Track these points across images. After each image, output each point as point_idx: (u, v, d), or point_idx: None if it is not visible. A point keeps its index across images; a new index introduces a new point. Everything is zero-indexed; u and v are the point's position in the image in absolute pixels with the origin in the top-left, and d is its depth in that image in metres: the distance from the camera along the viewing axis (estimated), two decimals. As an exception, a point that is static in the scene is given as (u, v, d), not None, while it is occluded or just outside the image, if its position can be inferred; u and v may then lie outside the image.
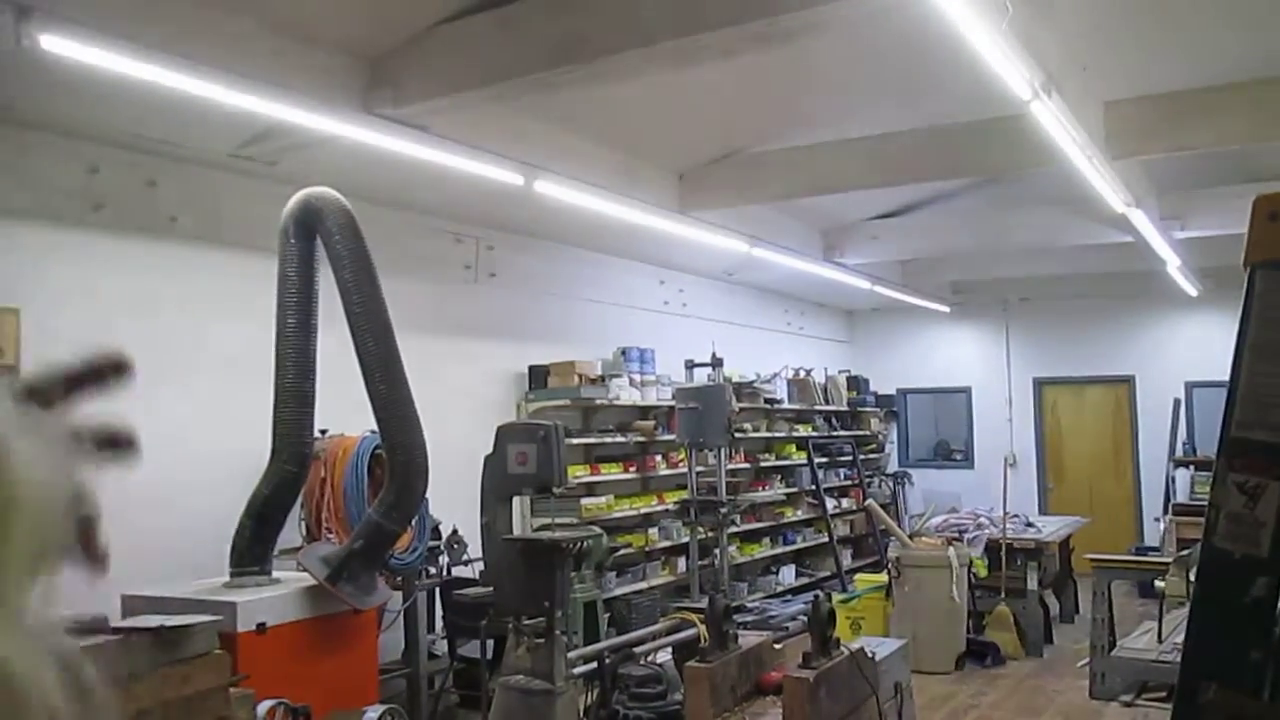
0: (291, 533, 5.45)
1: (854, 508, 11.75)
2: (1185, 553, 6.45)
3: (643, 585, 8.30)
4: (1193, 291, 10.61)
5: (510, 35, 4.56)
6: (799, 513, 10.81)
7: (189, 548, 5.31)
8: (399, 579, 5.83)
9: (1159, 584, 6.43)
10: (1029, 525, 8.91)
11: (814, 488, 10.89)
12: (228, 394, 5.78)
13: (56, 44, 3.68)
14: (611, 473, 8.35)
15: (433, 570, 6.15)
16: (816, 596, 4.57)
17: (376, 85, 4.83)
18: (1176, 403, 11.15)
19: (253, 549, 4.82)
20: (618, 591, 7.95)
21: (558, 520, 6.08)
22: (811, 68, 5.85)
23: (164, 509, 5.45)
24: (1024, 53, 4.24)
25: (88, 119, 5.05)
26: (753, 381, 10.30)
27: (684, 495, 8.24)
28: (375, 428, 4.97)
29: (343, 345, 4.84)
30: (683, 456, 8.46)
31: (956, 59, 4.31)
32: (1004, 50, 4.13)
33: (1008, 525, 8.49)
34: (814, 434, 11.33)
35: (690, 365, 8.67)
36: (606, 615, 7.37)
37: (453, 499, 5.87)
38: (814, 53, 5.47)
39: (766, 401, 10.49)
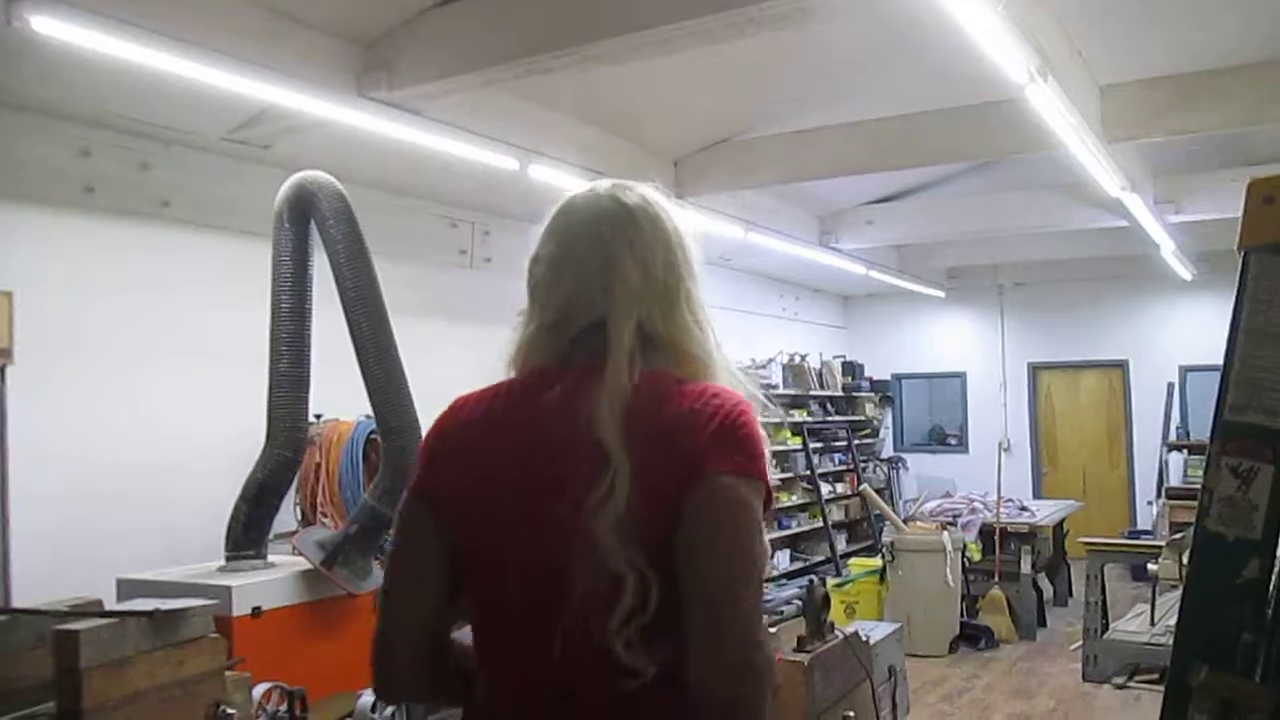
0: (287, 517, 5.46)
1: (849, 493, 11.77)
2: (1178, 536, 6.47)
3: (638, 570, 8.30)
4: (1187, 276, 10.62)
5: (505, 19, 4.54)
6: (794, 498, 10.84)
7: (183, 532, 5.31)
8: (394, 563, 5.83)
9: (1152, 567, 6.46)
10: (1023, 509, 8.94)
11: (809, 473, 10.91)
12: (222, 378, 5.77)
13: (48, 25, 3.66)
14: (607, 457, 8.33)
15: (428, 555, 6.15)
16: (811, 581, 4.58)
17: (371, 69, 4.81)
18: (1170, 387, 11.18)
19: (248, 533, 4.82)
20: (613, 576, 7.96)
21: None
22: (806, 53, 5.83)
23: (158, 493, 5.46)
24: (1020, 36, 4.24)
25: (80, 101, 5.02)
26: (748, 367, 10.30)
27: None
28: (370, 413, 4.97)
29: (337, 330, 4.83)
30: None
31: (952, 43, 4.30)
32: (1000, 34, 4.12)
33: (1001, 509, 8.51)
34: (809, 419, 11.34)
35: (685, 350, 8.65)
36: (602, 599, 7.38)
37: (448, 484, 5.87)
38: (809, 38, 5.46)
39: (762, 387, 10.49)
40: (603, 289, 1.42)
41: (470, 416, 1.49)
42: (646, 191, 1.52)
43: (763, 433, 1.37)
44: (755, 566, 1.29)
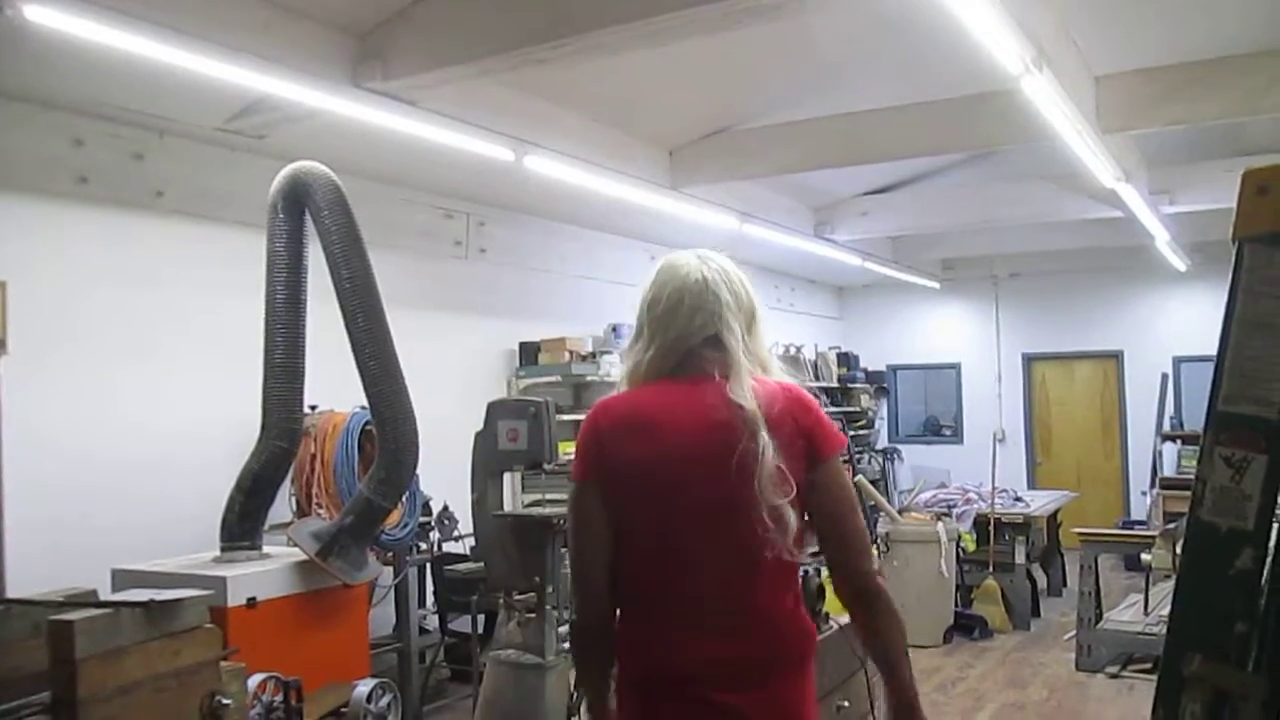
0: (282, 508, 5.46)
1: (844, 483, 11.77)
2: (1172, 526, 6.49)
3: (633, 560, 8.31)
4: (1181, 266, 10.64)
5: (500, 9, 4.52)
6: (789, 488, 10.82)
7: (178, 523, 5.31)
8: (390, 554, 5.84)
9: (1145, 557, 6.47)
10: (1017, 500, 8.95)
11: (804, 463, 10.91)
12: (216, 369, 5.76)
13: (41, 14, 3.64)
14: (602, 448, 8.32)
15: (423, 546, 6.16)
16: (806, 572, 4.58)
17: (365, 59, 4.79)
18: (1164, 377, 11.20)
19: (242, 524, 4.82)
20: (608, 566, 7.97)
21: (548, 496, 6.08)
22: (803, 43, 5.82)
23: (153, 484, 5.45)
24: (1015, 27, 4.23)
25: (73, 91, 5.01)
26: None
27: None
28: (365, 403, 4.97)
29: (332, 321, 4.83)
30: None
31: (948, 33, 4.29)
32: (995, 24, 4.11)
33: (996, 500, 8.53)
34: (804, 410, 11.33)
35: (681, 341, 8.65)
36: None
37: (443, 475, 5.87)
38: (805, 28, 5.45)
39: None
40: (715, 313, 2.05)
41: (629, 414, 2.08)
42: (722, 258, 2.16)
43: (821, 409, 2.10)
44: (859, 511, 2.08)
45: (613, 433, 2.06)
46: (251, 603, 4.41)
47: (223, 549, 4.79)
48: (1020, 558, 8.21)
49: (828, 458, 2.01)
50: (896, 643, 2.05)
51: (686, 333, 2.04)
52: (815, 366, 11.94)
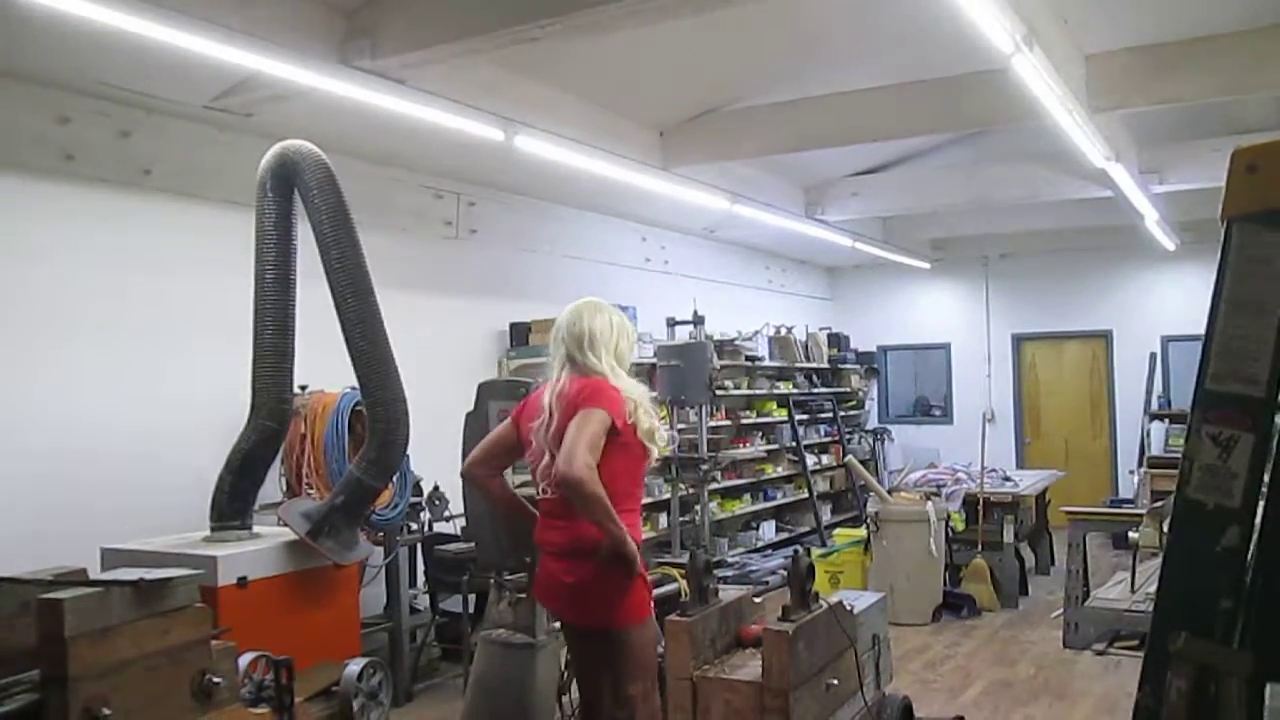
0: (272, 488, 5.45)
1: (834, 464, 11.82)
2: (1159, 504, 6.53)
3: (624, 540, 8.33)
4: (1170, 246, 10.66)
5: (489, -14, 4.49)
6: (779, 469, 10.87)
7: (168, 502, 5.30)
8: (381, 534, 5.85)
9: (1133, 535, 6.52)
10: (1006, 479, 8.99)
11: (794, 444, 10.95)
12: (206, 349, 5.74)
13: (24, -8, 3.61)
14: (592, 429, 8.31)
15: (414, 526, 6.17)
16: (796, 551, 4.60)
17: (353, 37, 4.76)
18: (1153, 357, 11.24)
19: (233, 504, 4.81)
20: (599, 546, 7.98)
21: (539, 476, 6.09)
22: (793, 22, 5.80)
23: (143, 463, 5.44)
24: (1005, 5, 4.22)
25: (59, 68, 4.96)
26: (734, 339, 10.30)
27: (665, 452, 8.25)
28: (356, 384, 4.96)
29: (322, 301, 4.81)
30: (664, 414, 8.47)
31: (939, 12, 4.28)
32: (986, 2, 4.10)
33: (985, 480, 8.56)
34: (795, 391, 11.37)
35: (672, 323, 8.67)
36: (588, 570, 7.38)
37: (434, 456, 5.87)
38: (796, 7, 5.43)
39: (748, 359, 10.50)
40: (574, 345, 3.47)
41: (535, 395, 3.57)
42: (606, 310, 3.55)
43: (614, 395, 3.35)
44: (584, 434, 3.20)
45: (527, 406, 3.58)
46: (242, 582, 4.41)
47: (213, 529, 4.79)
48: (1009, 537, 8.24)
49: (579, 409, 3.27)
50: (591, 510, 3.18)
51: (557, 354, 3.50)
52: (805, 347, 11.92)
